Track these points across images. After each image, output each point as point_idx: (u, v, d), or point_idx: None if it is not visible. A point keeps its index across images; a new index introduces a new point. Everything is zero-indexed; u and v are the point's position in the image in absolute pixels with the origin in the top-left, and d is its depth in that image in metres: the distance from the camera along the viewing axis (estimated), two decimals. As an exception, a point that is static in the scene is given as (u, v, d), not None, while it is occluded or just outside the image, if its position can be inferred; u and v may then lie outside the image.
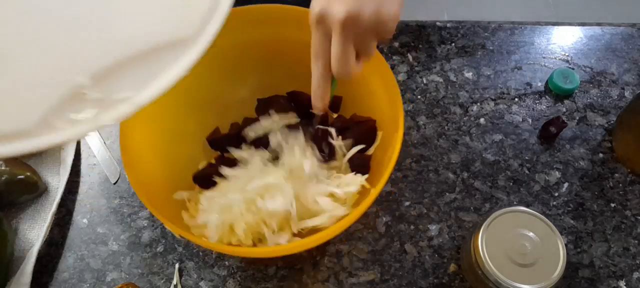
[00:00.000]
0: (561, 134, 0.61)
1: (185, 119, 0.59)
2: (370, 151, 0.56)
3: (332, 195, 0.52)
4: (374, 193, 0.45)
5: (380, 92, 0.53)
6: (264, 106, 0.59)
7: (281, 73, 0.61)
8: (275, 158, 0.55)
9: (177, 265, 0.54)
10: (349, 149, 0.55)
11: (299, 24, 0.56)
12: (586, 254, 0.54)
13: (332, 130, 0.55)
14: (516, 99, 0.64)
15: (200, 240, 0.45)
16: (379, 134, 0.56)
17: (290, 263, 0.54)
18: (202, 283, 0.53)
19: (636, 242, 0.54)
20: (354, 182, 0.52)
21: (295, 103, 0.59)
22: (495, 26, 0.71)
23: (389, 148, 0.48)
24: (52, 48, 0.34)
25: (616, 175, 0.58)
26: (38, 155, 0.61)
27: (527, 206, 0.57)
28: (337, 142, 0.55)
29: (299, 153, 0.53)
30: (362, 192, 0.53)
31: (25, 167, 0.57)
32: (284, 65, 0.60)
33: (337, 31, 0.39)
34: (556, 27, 0.71)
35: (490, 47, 0.69)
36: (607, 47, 0.68)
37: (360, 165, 0.54)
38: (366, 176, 0.54)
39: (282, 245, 0.49)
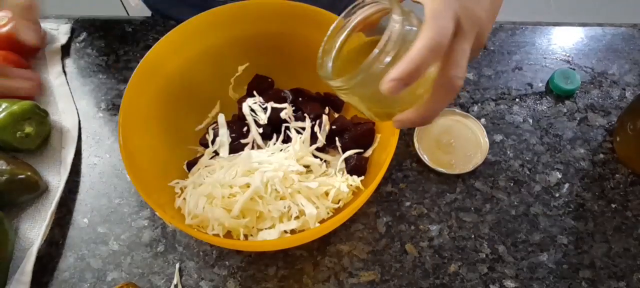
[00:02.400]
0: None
1: (185, 117, 0.59)
2: (368, 153, 0.56)
3: (325, 194, 0.52)
4: (365, 194, 0.46)
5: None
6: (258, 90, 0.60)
7: (282, 70, 0.61)
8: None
9: (177, 265, 0.54)
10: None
11: (301, 20, 0.56)
12: (587, 255, 0.54)
13: (325, 118, 0.57)
14: (517, 100, 0.64)
15: (190, 229, 0.46)
16: (377, 137, 0.56)
17: (291, 264, 0.54)
18: (202, 283, 0.53)
19: (637, 242, 0.54)
20: (345, 182, 0.53)
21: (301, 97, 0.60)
22: (496, 26, 0.71)
23: (386, 151, 0.48)
24: None
25: (617, 175, 0.58)
26: (38, 154, 0.61)
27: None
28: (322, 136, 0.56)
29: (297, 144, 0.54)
30: (358, 193, 0.53)
31: (26, 167, 0.57)
32: (285, 62, 0.60)
33: (470, 36, 0.36)
34: (557, 27, 0.71)
35: (491, 47, 0.69)
36: (608, 47, 0.68)
37: (356, 166, 0.54)
38: (362, 178, 0.54)
39: (270, 239, 0.50)
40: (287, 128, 0.57)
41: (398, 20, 0.34)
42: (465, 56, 0.35)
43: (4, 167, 0.55)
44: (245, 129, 0.58)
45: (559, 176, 0.59)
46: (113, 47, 0.71)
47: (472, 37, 0.36)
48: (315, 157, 0.56)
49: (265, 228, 0.51)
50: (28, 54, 0.67)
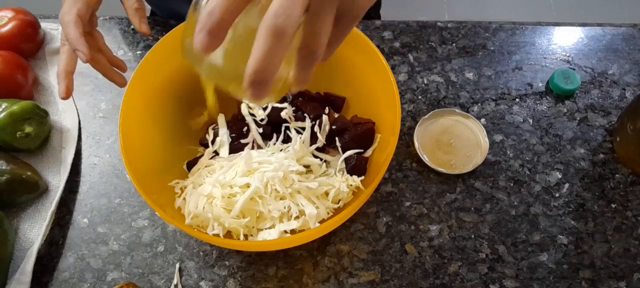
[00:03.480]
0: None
1: (184, 117, 0.59)
2: (368, 153, 0.56)
3: (325, 194, 0.52)
4: (365, 194, 0.46)
5: (381, 96, 0.53)
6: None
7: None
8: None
9: (177, 265, 0.54)
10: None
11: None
12: (587, 255, 0.54)
13: (325, 118, 0.57)
14: (517, 100, 0.64)
15: (190, 229, 0.46)
16: (377, 137, 0.56)
17: (291, 264, 0.54)
18: (202, 283, 0.53)
19: (637, 242, 0.54)
20: (345, 182, 0.53)
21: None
22: (496, 26, 0.71)
23: (386, 151, 0.48)
24: None
25: (617, 176, 0.58)
26: (38, 154, 0.61)
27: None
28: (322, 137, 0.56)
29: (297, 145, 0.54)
30: (358, 193, 0.53)
31: (26, 167, 0.57)
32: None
33: None
34: (557, 27, 0.71)
35: (491, 48, 0.69)
36: (608, 47, 0.68)
37: (356, 166, 0.54)
38: (362, 177, 0.54)
39: (270, 239, 0.50)
40: (287, 128, 0.57)
41: None
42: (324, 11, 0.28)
43: (4, 167, 0.55)
44: (245, 128, 0.58)
45: (559, 176, 0.59)
46: (113, 47, 0.71)
47: None
48: (315, 157, 0.56)
49: (265, 228, 0.51)
50: (28, 54, 0.67)
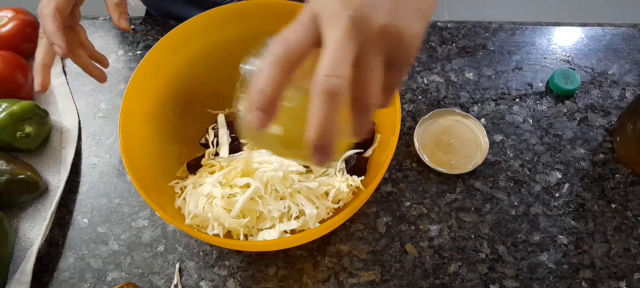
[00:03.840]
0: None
1: (184, 117, 0.59)
2: (368, 153, 0.56)
3: (325, 194, 0.52)
4: (365, 194, 0.46)
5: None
6: None
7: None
8: None
9: (177, 265, 0.54)
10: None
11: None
12: (587, 255, 0.54)
13: None
14: (517, 100, 0.64)
15: (190, 229, 0.46)
16: (377, 137, 0.56)
17: (291, 264, 0.54)
18: (202, 283, 0.53)
19: (637, 242, 0.54)
20: (345, 182, 0.53)
21: None
22: (496, 26, 0.71)
23: (386, 151, 0.48)
24: None
25: (617, 176, 0.58)
26: (38, 154, 0.61)
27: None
28: None
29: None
30: (358, 193, 0.53)
31: (26, 167, 0.57)
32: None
33: (374, 43, 0.29)
34: (557, 27, 0.71)
35: (491, 48, 0.69)
36: (608, 47, 0.68)
37: (356, 166, 0.54)
38: (362, 177, 0.54)
39: (270, 239, 0.50)
40: (287, 128, 0.57)
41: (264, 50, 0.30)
42: (339, 51, 0.28)
43: (4, 167, 0.55)
44: None
45: (559, 176, 0.59)
46: (113, 47, 0.71)
47: (348, 35, 0.28)
48: None
49: (265, 228, 0.51)
50: (28, 54, 0.67)
